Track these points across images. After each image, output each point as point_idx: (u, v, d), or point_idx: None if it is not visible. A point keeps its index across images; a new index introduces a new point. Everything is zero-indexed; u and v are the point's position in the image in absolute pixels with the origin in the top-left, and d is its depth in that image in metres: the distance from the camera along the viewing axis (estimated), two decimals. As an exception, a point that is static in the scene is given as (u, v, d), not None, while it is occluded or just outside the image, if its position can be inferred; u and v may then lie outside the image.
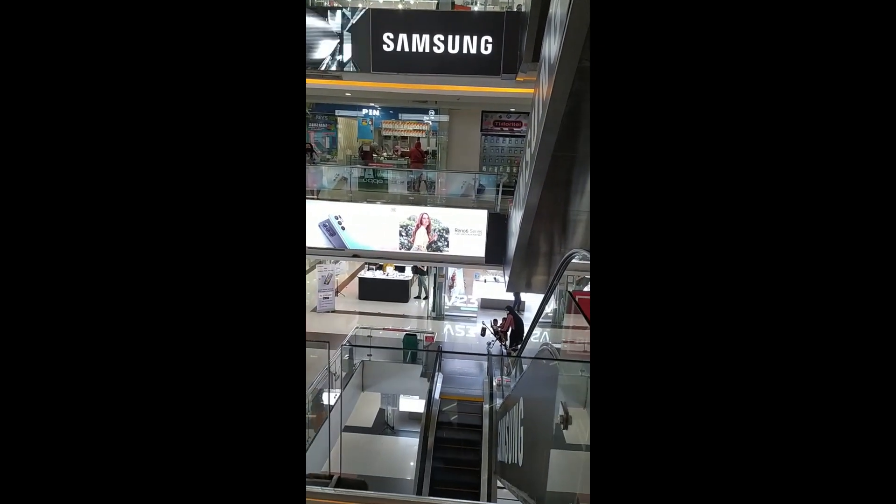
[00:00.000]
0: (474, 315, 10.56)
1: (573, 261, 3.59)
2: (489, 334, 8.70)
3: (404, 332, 8.68)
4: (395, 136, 11.23)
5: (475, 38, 7.01)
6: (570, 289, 7.48)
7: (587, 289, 7.82)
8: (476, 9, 8.01)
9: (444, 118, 9.70)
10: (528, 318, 8.43)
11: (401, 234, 7.77)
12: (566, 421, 2.34)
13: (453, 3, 7.77)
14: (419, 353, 8.16)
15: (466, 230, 7.66)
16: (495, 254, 7.56)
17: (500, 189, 7.84)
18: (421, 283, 11.11)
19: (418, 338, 8.49)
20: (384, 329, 9.05)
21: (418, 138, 10.46)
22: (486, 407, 6.76)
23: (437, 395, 7.18)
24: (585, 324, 2.21)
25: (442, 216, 7.70)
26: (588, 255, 2.75)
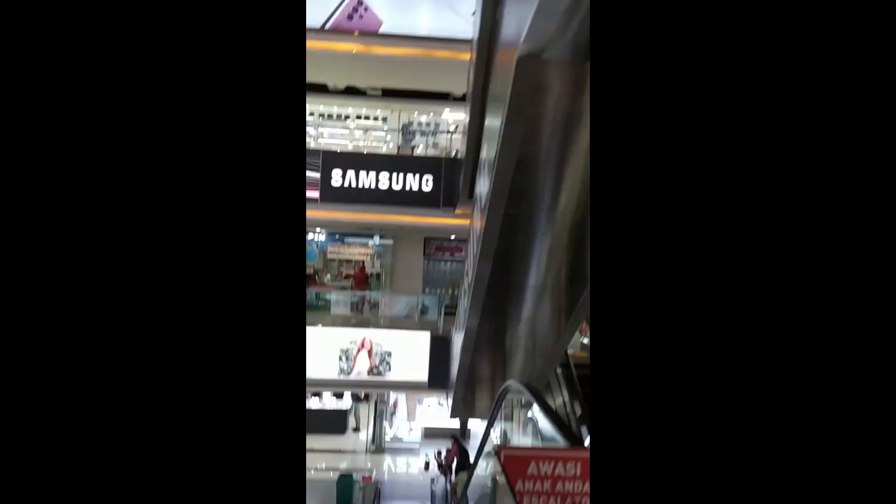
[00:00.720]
0: (417, 445, 9.81)
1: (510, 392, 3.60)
2: (433, 469, 8.02)
3: (338, 473, 7.79)
4: (340, 259, 11.40)
5: (417, 176, 7.76)
6: (516, 413, 7.27)
7: (534, 415, 7.63)
8: (418, 152, 9.01)
9: (389, 242, 10.12)
10: (473, 446, 7.96)
11: (340, 359, 7.45)
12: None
13: (412, 148, 8.68)
14: (354, 497, 7.24)
15: (409, 353, 7.52)
16: (438, 377, 7.37)
17: (443, 311, 7.97)
18: (356, 414, 10.33)
19: (354, 478, 7.62)
20: (315, 469, 8.09)
21: (363, 261, 10.69)
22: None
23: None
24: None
25: (384, 339, 7.56)
26: (521, 388, 2.80)
